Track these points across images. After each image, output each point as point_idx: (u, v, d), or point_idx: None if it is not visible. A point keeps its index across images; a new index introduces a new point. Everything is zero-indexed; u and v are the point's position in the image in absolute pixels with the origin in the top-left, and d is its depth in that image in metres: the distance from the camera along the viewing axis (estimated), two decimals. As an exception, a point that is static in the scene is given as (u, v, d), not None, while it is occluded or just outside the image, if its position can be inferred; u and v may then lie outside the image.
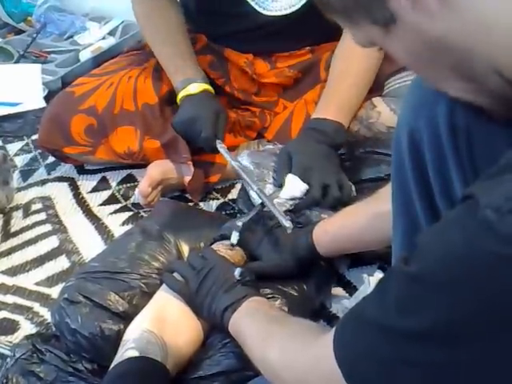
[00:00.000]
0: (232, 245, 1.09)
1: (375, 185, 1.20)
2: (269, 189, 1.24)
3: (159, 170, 1.39)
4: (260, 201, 1.17)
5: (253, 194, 1.25)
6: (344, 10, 0.61)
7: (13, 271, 1.29)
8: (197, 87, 1.36)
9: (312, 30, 1.35)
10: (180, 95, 1.37)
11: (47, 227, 1.38)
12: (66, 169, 1.53)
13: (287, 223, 1.07)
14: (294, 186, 1.20)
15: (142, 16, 1.46)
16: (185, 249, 1.16)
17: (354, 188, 1.25)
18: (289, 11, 1.38)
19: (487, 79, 0.58)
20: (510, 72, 0.56)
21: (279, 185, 1.22)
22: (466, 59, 0.58)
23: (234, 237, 1.09)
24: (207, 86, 1.38)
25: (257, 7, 1.38)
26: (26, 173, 1.55)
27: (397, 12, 0.57)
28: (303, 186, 1.19)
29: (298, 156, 1.23)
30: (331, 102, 1.31)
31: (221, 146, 1.31)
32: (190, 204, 1.39)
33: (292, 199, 1.19)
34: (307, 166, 1.21)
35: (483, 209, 0.50)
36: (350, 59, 1.33)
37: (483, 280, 0.49)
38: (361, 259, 1.18)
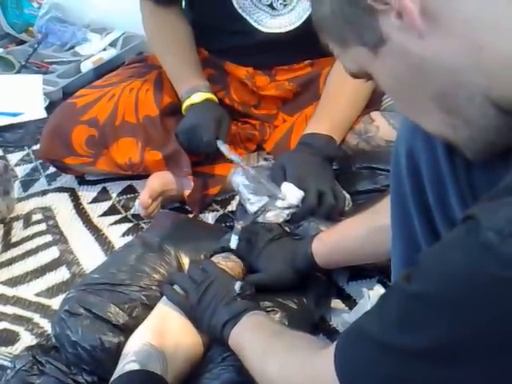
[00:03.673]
0: (231, 249, 1.08)
1: (372, 196, 1.20)
2: (264, 200, 1.24)
3: (159, 181, 1.40)
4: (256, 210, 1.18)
5: (249, 208, 1.26)
6: (336, 31, 0.62)
7: (13, 282, 1.29)
8: (200, 96, 1.37)
9: (311, 46, 1.35)
10: (184, 104, 1.39)
11: (48, 238, 1.39)
12: (67, 179, 1.54)
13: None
14: (291, 194, 1.20)
15: (151, 26, 1.48)
16: (185, 261, 1.16)
17: (349, 199, 1.25)
18: (288, 29, 1.39)
19: (471, 108, 0.57)
20: (504, 101, 0.56)
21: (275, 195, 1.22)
22: (451, 85, 0.57)
23: (234, 240, 1.09)
24: (210, 95, 1.39)
25: (255, 25, 1.39)
26: (27, 183, 1.56)
27: (386, 32, 0.58)
28: (299, 193, 1.19)
29: (291, 167, 1.24)
30: (323, 118, 1.31)
31: (221, 144, 1.31)
32: (190, 215, 1.40)
33: (289, 207, 1.19)
34: (302, 175, 1.22)
35: (485, 231, 0.50)
36: (346, 76, 1.33)
37: (483, 302, 0.50)
38: (360, 272, 1.18)
